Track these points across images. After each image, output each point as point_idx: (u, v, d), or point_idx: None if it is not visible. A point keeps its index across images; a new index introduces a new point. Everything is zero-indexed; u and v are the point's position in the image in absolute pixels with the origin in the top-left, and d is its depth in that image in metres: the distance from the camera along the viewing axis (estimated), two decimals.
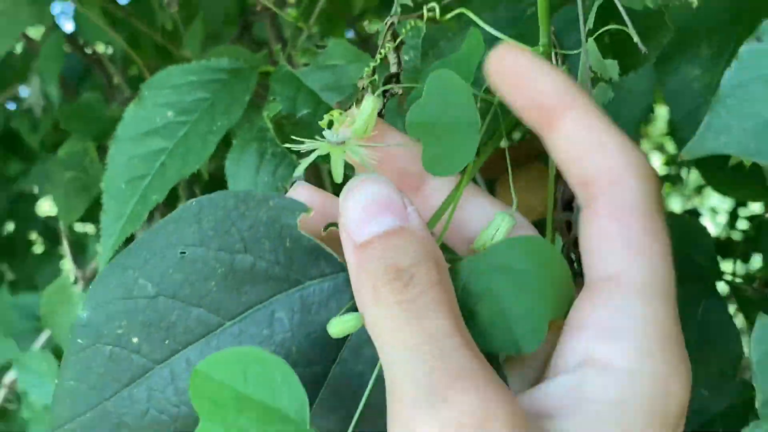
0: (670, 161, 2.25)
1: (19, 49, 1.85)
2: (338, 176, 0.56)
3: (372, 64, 0.62)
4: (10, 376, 1.19)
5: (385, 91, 0.63)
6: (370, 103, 0.56)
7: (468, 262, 0.45)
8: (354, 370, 0.52)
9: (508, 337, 0.41)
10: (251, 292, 0.48)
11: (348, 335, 0.51)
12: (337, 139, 0.53)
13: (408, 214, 0.40)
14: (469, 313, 0.42)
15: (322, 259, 0.49)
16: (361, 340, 0.52)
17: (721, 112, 0.44)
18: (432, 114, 0.52)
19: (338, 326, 0.46)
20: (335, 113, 0.55)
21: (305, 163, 0.55)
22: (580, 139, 0.43)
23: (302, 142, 0.52)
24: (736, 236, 1.74)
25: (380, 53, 0.64)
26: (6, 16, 0.88)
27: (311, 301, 0.48)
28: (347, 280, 0.48)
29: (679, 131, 0.72)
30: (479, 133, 0.49)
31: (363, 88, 0.62)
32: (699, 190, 2.38)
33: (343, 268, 0.50)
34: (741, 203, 1.76)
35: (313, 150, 0.53)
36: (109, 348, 0.50)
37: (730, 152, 0.45)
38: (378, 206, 0.41)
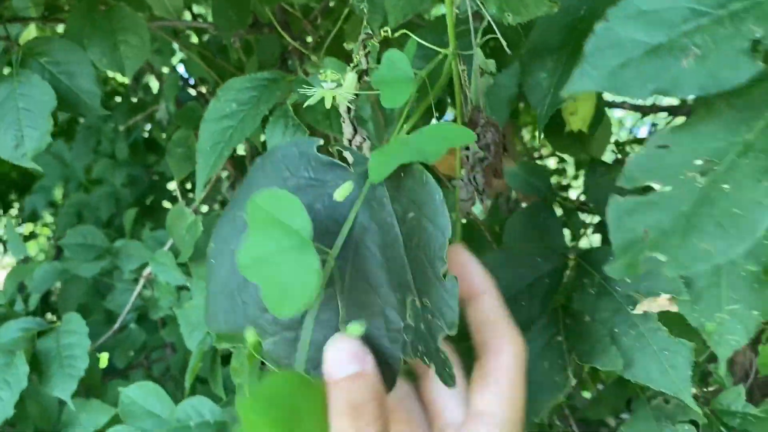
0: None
1: (155, 87, 1.87)
2: (328, 105, 0.63)
3: (353, 64, 0.65)
4: (147, 270, 1.21)
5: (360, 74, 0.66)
6: (352, 75, 0.63)
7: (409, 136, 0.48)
8: (358, 238, 0.52)
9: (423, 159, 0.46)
10: (301, 198, 0.47)
11: (355, 221, 0.52)
12: (331, 88, 0.59)
13: (366, 362, 0.41)
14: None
15: (336, 168, 0.51)
16: (361, 225, 0.52)
17: (586, 66, 0.44)
18: (387, 74, 0.54)
19: (340, 192, 0.48)
20: (329, 73, 0.60)
21: (315, 97, 0.60)
22: (487, 313, 0.47)
23: (312, 90, 0.60)
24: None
25: (357, 57, 0.66)
26: (137, 49, 0.88)
27: (332, 193, 0.49)
28: (352, 179, 0.51)
29: (535, 110, 0.73)
30: (413, 83, 0.54)
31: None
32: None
33: (347, 171, 0.52)
34: (580, 167, 1.80)
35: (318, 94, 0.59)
36: (228, 261, 0.52)
37: (592, 89, 0.44)
38: (347, 356, 0.41)
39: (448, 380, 0.47)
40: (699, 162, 0.46)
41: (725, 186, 0.45)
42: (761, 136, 0.44)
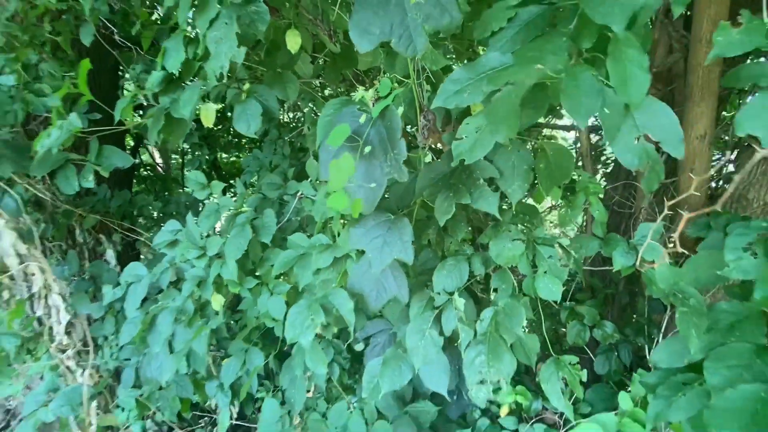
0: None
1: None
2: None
3: (373, 89, 0.89)
4: (300, 192, 1.45)
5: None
6: (372, 90, 0.81)
7: (385, 99, 0.70)
8: (370, 138, 0.77)
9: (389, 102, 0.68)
10: (350, 125, 0.72)
11: (369, 132, 0.77)
12: (365, 94, 0.80)
13: None
14: None
15: (363, 113, 0.74)
16: (371, 134, 0.76)
17: (437, 97, 0.68)
18: (383, 86, 0.77)
19: (360, 120, 0.71)
20: (363, 89, 0.83)
21: (359, 95, 0.81)
22: None
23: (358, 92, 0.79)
24: None
25: (375, 87, 0.91)
26: (293, 90, 1.18)
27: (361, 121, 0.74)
28: (366, 115, 0.74)
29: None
30: (391, 86, 0.76)
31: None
32: None
33: (366, 114, 0.74)
34: None
35: (357, 96, 0.81)
36: (325, 149, 0.75)
37: (438, 105, 0.68)
38: None
39: (400, 174, 0.74)
40: (474, 129, 0.73)
41: (482, 135, 0.73)
42: (489, 122, 0.71)
